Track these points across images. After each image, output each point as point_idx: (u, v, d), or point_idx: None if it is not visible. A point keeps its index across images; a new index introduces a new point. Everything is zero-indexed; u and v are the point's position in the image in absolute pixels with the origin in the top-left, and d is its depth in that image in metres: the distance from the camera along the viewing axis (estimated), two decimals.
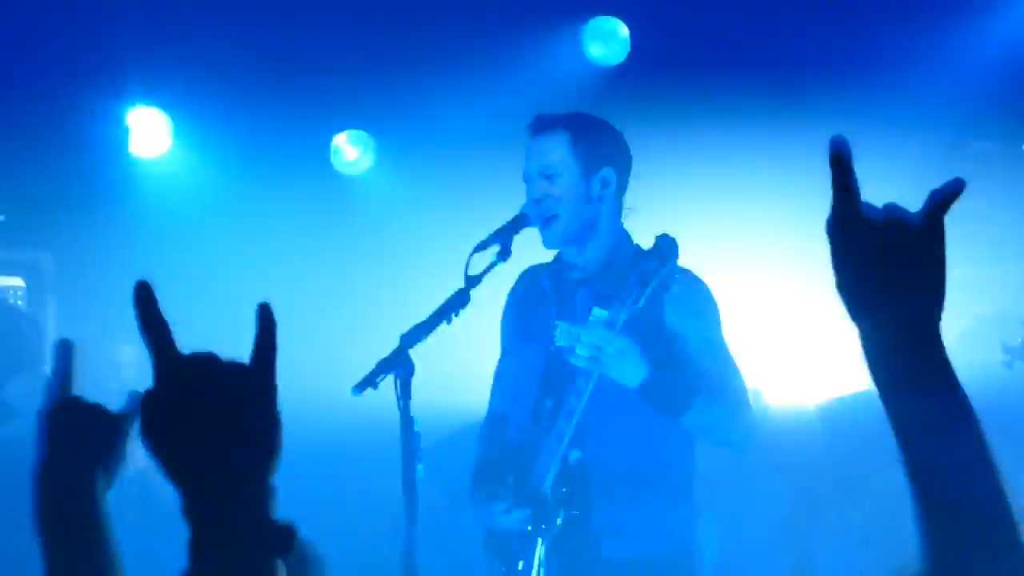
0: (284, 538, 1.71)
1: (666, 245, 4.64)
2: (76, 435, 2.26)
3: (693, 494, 5.11)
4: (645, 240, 4.98)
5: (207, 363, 1.74)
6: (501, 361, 5.34)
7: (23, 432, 6.29)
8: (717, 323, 4.95)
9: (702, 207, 7.50)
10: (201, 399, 1.70)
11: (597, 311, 4.78)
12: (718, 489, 6.88)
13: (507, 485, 5.01)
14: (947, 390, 1.73)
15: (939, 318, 1.75)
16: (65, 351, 2.33)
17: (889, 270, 1.75)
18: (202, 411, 1.70)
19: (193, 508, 1.68)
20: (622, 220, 5.13)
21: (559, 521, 4.86)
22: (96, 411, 2.30)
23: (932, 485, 1.72)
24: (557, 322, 4.87)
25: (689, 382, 4.79)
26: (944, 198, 1.76)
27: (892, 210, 1.79)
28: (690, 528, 5.07)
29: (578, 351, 4.66)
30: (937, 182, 1.78)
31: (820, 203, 1.83)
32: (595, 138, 5.08)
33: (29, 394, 6.07)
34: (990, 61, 7.47)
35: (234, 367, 1.75)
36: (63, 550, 2.17)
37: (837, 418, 7.19)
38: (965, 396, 1.73)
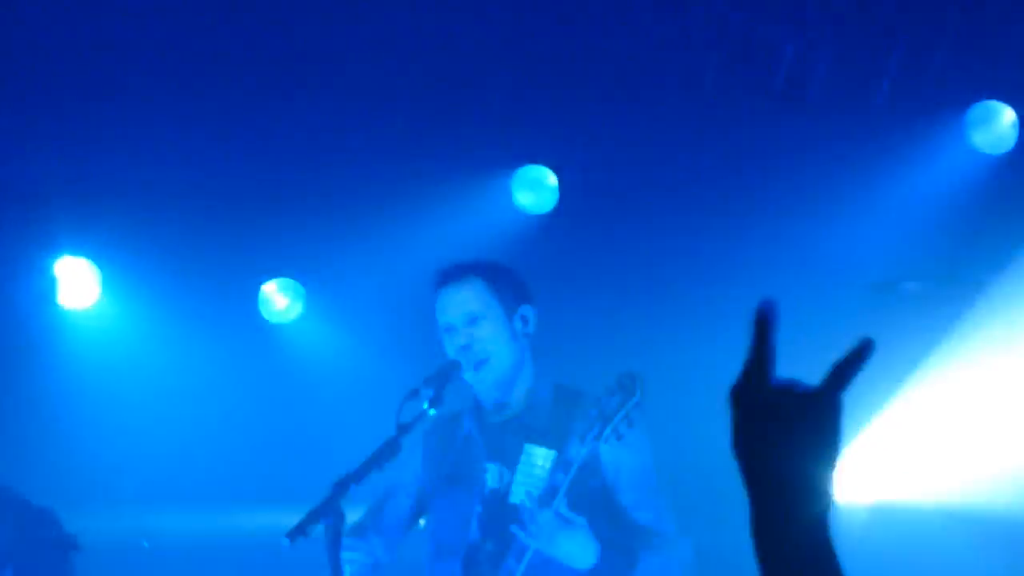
0: None
1: (630, 381, 4.68)
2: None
3: None
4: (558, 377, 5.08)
5: None
6: (431, 507, 5.32)
7: None
8: (648, 451, 5.01)
9: (631, 351, 7.52)
10: None
11: (529, 447, 4.82)
12: None
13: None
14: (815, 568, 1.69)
15: (825, 494, 1.70)
16: None
17: (778, 438, 1.71)
18: None
19: None
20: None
21: None
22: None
23: None
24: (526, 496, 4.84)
25: (630, 551, 4.86)
26: (845, 368, 1.72)
27: (794, 383, 1.74)
28: None
29: (530, 530, 4.67)
30: (865, 325, 1.77)
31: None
32: (506, 279, 5.18)
33: None
34: (920, 201, 7.58)
35: None
36: None
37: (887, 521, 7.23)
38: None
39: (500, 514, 4.97)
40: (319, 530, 4.55)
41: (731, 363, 1.80)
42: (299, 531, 4.53)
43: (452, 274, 5.20)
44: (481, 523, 5.06)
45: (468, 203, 7.87)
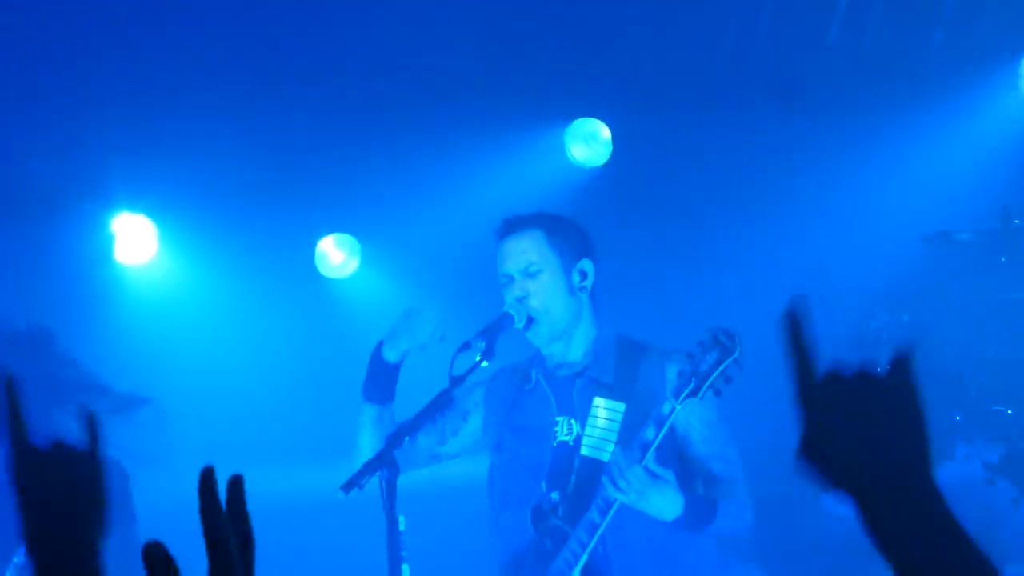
0: None
1: (728, 338, 4.66)
2: (59, 489, 1.98)
3: (711, 564, 5.18)
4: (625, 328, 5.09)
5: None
6: (496, 457, 5.34)
7: None
8: (715, 402, 5.00)
9: (684, 306, 7.53)
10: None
11: (598, 400, 4.85)
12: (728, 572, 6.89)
13: None
14: (951, 542, 1.67)
15: (927, 467, 1.70)
16: (10, 390, 1.96)
17: (862, 430, 1.69)
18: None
19: None
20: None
21: None
22: (63, 453, 1.99)
23: None
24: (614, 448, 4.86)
25: (709, 499, 4.89)
26: (910, 355, 1.72)
27: (861, 372, 1.72)
28: None
29: (620, 485, 4.69)
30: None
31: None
32: (567, 233, 5.18)
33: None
34: (974, 150, 7.54)
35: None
36: None
37: None
38: (970, 544, 1.67)
39: (569, 466, 5.00)
40: (374, 483, 4.60)
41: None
42: (354, 484, 4.57)
43: (514, 225, 5.21)
44: (550, 475, 5.08)
45: (522, 157, 7.88)
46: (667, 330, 5.81)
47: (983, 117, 7.60)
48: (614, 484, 4.69)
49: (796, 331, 1.73)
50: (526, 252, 5.12)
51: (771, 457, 5.37)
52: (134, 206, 7.82)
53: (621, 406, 4.95)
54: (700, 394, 4.66)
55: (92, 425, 1.96)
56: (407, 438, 4.69)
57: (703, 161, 7.75)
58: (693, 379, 4.66)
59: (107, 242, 7.82)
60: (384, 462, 4.59)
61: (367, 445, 5.00)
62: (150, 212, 7.85)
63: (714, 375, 4.64)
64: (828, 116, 7.62)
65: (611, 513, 4.77)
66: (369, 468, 4.59)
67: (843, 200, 7.60)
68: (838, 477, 1.71)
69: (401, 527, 4.57)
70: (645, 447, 4.71)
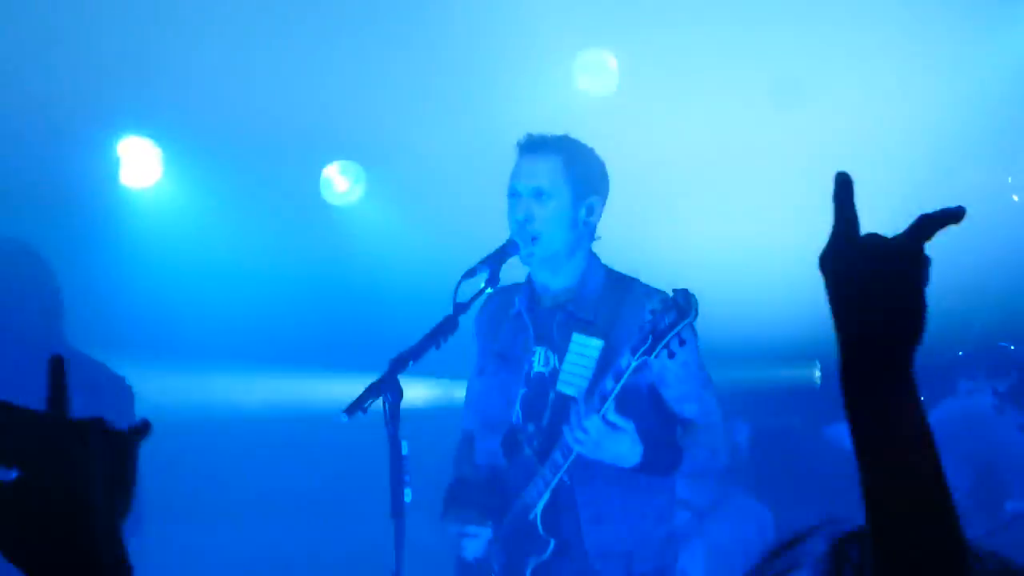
0: None
1: (685, 301, 4.66)
2: (96, 463, 1.93)
3: (674, 514, 5.21)
4: (613, 263, 5.10)
5: None
6: (475, 381, 5.39)
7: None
8: (694, 344, 5.01)
9: (690, 239, 7.54)
10: None
11: (578, 336, 4.86)
12: (703, 517, 6.91)
13: (477, 510, 5.08)
14: (907, 420, 1.71)
15: (909, 344, 1.73)
16: (58, 368, 1.97)
17: (866, 291, 1.75)
18: None
19: None
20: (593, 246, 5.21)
21: (551, 548, 4.91)
22: (108, 430, 1.98)
23: (884, 516, 1.70)
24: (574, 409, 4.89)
25: (675, 444, 4.92)
26: (930, 223, 1.76)
27: (874, 235, 1.78)
28: (672, 548, 5.17)
29: (577, 436, 4.73)
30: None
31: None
32: (586, 165, 5.16)
33: None
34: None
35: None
36: None
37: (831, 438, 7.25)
38: (925, 427, 1.71)
39: (543, 398, 5.02)
40: (377, 406, 4.61)
41: (802, 249, 1.82)
42: (357, 407, 4.58)
43: (536, 144, 5.19)
44: (524, 404, 5.11)
45: (529, 86, 7.86)
46: (666, 264, 5.82)
47: None
48: (571, 434, 4.74)
49: (843, 195, 1.80)
50: (539, 175, 5.11)
51: (771, 389, 5.39)
52: (140, 130, 7.82)
53: (599, 343, 4.95)
54: (654, 353, 4.67)
55: (58, 371, 1.91)
56: (411, 362, 4.70)
57: (713, 87, 7.73)
58: (650, 337, 4.67)
59: (112, 165, 7.83)
60: (388, 386, 4.61)
61: None
62: (156, 136, 7.85)
63: (668, 336, 4.65)
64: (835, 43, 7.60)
65: (571, 457, 4.81)
66: (372, 392, 4.60)
67: (858, 117, 7.58)
68: (841, 323, 1.77)
69: (404, 451, 4.59)
70: (604, 397, 4.73)
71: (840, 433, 7.05)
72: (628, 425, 4.76)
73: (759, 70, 7.69)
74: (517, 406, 5.11)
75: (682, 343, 4.66)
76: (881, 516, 1.68)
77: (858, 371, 1.73)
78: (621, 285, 5.13)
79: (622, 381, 4.70)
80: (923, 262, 1.75)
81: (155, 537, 5.51)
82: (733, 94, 7.72)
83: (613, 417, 4.74)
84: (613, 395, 4.72)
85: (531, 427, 5.05)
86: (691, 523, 6.73)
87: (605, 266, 5.20)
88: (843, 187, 1.80)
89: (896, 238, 1.76)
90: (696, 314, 4.64)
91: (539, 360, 5.12)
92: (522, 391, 5.12)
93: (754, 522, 7.00)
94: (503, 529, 5.03)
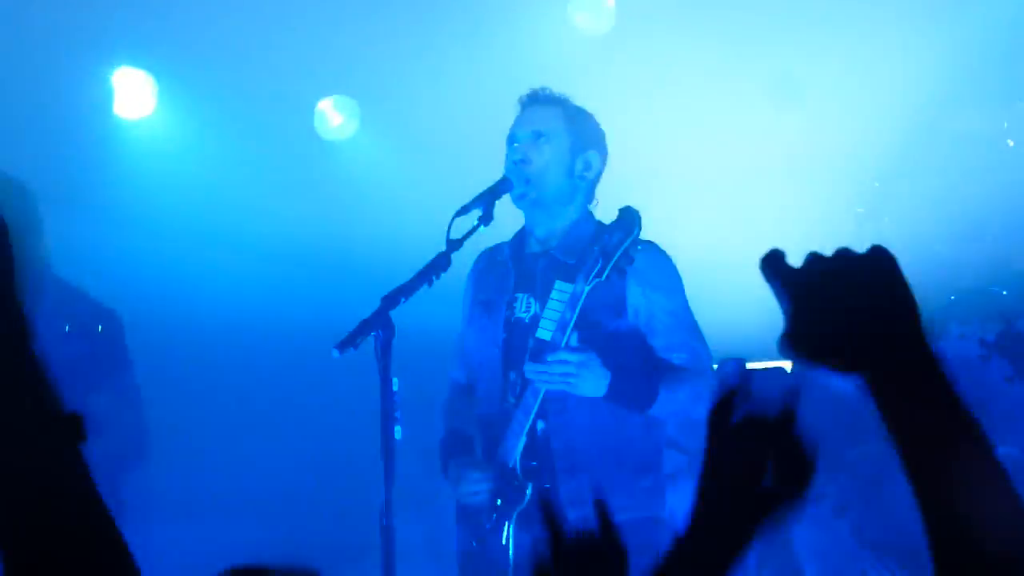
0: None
1: (629, 217, 4.68)
2: None
3: (661, 463, 5.19)
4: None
5: None
6: (462, 332, 5.39)
7: (106, 454, 5.97)
8: (682, 294, 5.02)
9: (684, 179, 7.53)
10: None
11: (559, 284, 4.86)
12: (695, 458, 6.93)
13: (476, 460, 5.09)
14: (947, 409, 1.69)
15: (919, 335, 1.71)
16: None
17: (849, 305, 1.72)
18: None
19: None
20: (591, 207, 5.20)
21: (528, 494, 4.92)
22: None
23: (944, 513, 1.67)
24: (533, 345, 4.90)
25: (651, 377, 4.91)
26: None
27: (837, 255, 1.75)
28: (657, 497, 5.13)
29: (539, 370, 4.75)
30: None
31: (808, 170, 1.81)
32: (587, 121, 5.20)
33: (112, 410, 5.67)
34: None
35: None
36: None
37: (810, 385, 7.24)
38: (967, 414, 1.69)
39: (523, 345, 5.02)
40: (369, 341, 4.61)
41: (792, 182, 1.80)
42: (349, 342, 4.58)
43: (539, 97, 5.22)
44: (505, 350, 5.11)
45: (524, 22, 7.84)
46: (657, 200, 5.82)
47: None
48: (534, 371, 4.76)
49: (773, 265, 1.76)
50: (540, 121, 5.13)
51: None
52: (134, 60, 7.79)
53: (582, 289, 4.94)
54: (604, 275, 4.68)
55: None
56: (403, 299, 4.70)
57: (710, 23, 7.71)
58: (600, 259, 4.67)
59: (106, 95, 7.80)
60: (379, 322, 4.61)
61: None
62: (150, 67, 7.82)
63: (616, 255, 4.65)
64: None
65: (541, 395, 4.82)
66: (364, 328, 4.60)
67: (842, 75, 7.58)
68: (835, 358, 1.72)
69: (395, 388, 4.59)
70: (564, 327, 4.75)
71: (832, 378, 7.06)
72: (590, 354, 4.77)
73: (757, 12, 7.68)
74: (499, 352, 5.11)
75: (630, 260, 4.66)
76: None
77: (891, 389, 1.69)
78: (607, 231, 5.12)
79: (578, 308, 4.72)
80: (896, 266, 1.73)
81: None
82: (728, 37, 7.71)
83: (575, 345, 4.77)
84: (572, 323, 4.74)
85: (512, 374, 5.05)
86: (683, 464, 6.73)
87: (599, 221, 5.19)
88: (770, 265, 1.76)
89: (862, 255, 1.73)
90: (639, 229, 4.65)
91: (521, 306, 5.12)
92: (503, 336, 5.12)
93: None
94: (493, 477, 5.03)
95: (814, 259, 1.75)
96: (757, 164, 7.44)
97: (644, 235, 4.76)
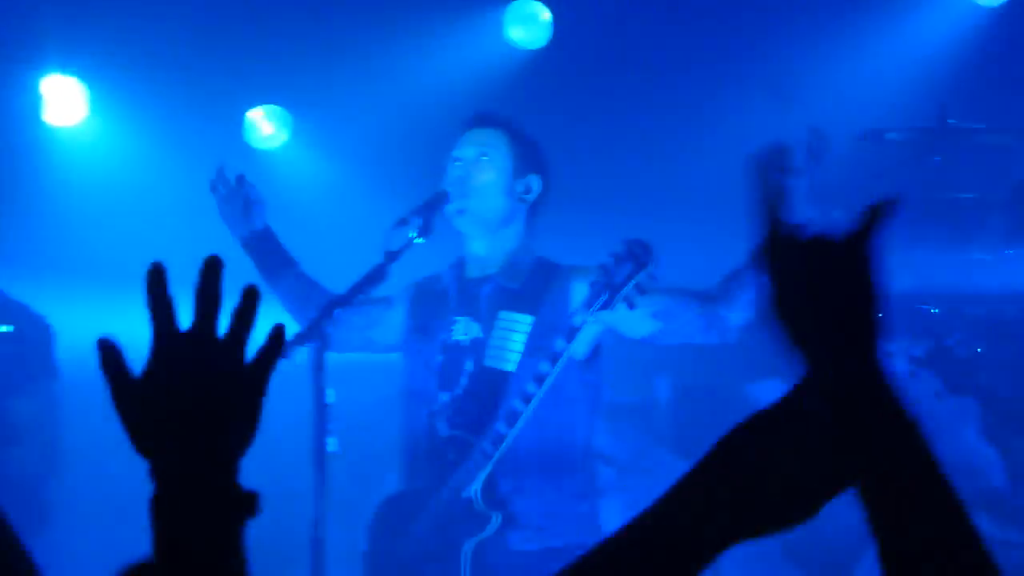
0: (247, 503, 1.73)
1: (642, 249, 4.63)
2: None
3: (595, 483, 5.20)
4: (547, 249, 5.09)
5: (207, 347, 1.75)
6: (402, 358, 5.34)
7: (28, 459, 5.85)
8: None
9: (623, 196, 7.54)
10: (193, 381, 1.73)
11: (505, 313, 4.86)
12: (624, 472, 6.94)
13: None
14: (892, 426, 1.67)
15: (872, 347, 1.68)
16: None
17: (814, 296, 1.70)
18: (191, 392, 1.73)
19: (159, 474, 1.73)
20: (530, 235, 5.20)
21: (494, 523, 4.89)
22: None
23: (894, 529, 1.64)
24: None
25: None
26: (871, 220, 1.71)
27: (820, 234, 1.72)
28: (595, 520, 5.11)
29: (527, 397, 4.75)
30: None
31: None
32: (531, 145, 5.19)
33: (36, 415, 5.59)
34: (909, 50, 7.57)
35: (232, 357, 1.76)
36: None
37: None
38: (914, 426, 1.67)
39: (458, 368, 5.01)
40: (303, 353, 4.59)
41: (723, 206, 1.79)
42: (284, 353, 4.55)
43: (483, 118, 5.23)
44: (442, 373, 5.08)
45: (459, 36, 7.84)
46: (594, 223, 5.82)
47: (921, 15, 7.63)
48: (522, 396, 4.73)
49: (766, 176, 1.73)
50: (483, 143, 5.13)
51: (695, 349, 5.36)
52: (65, 67, 7.73)
53: (528, 318, 4.93)
54: (612, 305, 4.65)
55: None
56: (337, 310, 4.68)
57: (646, 42, 7.72)
58: (607, 291, 4.64)
59: (36, 103, 7.74)
60: (315, 333, 4.59)
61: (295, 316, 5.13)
62: (80, 74, 7.76)
63: (627, 287, 4.62)
64: (768, 9, 7.61)
65: (518, 425, 4.78)
66: (299, 339, 4.58)
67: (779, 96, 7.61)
68: (793, 335, 1.71)
69: (330, 399, 4.57)
70: (555, 358, 4.72)
71: (762, 391, 7.11)
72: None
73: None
74: (434, 375, 5.08)
75: (642, 291, 4.61)
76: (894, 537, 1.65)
77: (835, 384, 1.68)
78: (548, 266, 5.11)
79: (574, 340, 4.70)
80: (870, 261, 1.70)
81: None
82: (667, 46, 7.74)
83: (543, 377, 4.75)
84: (564, 355, 4.71)
85: (445, 396, 5.03)
86: (611, 477, 6.75)
87: (537, 253, 5.19)
88: (764, 165, 1.76)
89: (844, 237, 1.71)
90: (655, 263, 4.59)
91: (459, 329, 5.10)
92: (439, 359, 5.10)
93: (674, 477, 7.03)
94: (432, 506, 4.98)
95: (797, 231, 1.73)
96: (699, 187, 7.43)
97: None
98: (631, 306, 4.63)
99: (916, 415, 1.68)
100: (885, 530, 1.64)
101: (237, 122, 8.12)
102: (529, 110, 5.48)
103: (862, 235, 1.71)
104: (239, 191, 5.44)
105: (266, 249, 5.45)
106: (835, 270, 1.70)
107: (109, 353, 1.78)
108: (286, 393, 5.12)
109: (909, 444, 1.67)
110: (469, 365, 4.96)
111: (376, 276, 4.79)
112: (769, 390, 5.22)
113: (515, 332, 4.88)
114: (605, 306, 4.63)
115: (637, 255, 4.60)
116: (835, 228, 1.71)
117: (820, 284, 1.70)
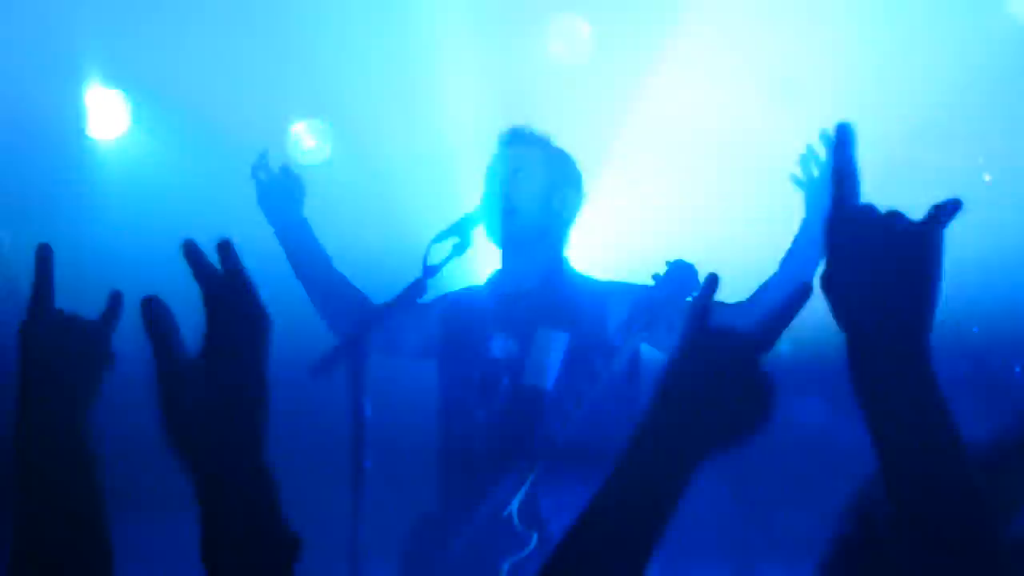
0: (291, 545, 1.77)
1: (686, 272, 4.60)
2: (57, 354, 2.14)
3: None
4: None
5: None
6: (437, 371, 5.32)
7: None
8: None
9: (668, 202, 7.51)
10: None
11: (544, 330, 4.84)
12: None
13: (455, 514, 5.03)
14: (928, 406, 1.68)
15: (926, 331, 1.71)
16: (44, 257, 2.18)
17: (880, 275, 1.71)
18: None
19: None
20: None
21: (532, 544, 4.87)
22: (76, 322, 2.22)
23: (909, 498, 1.68)
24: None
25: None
26: (946, 212, 1.75)
27: (893, 214, 1.75)
28: None
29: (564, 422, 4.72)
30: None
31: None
32: (565, 161, 5.21)
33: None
34: None
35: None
36: (47, 484, 2.03)
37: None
38: (948, 413, 1.68)
39: (496, 385, 4.99)
40: (341, 367, 4.58)
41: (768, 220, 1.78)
42: (322, 367, 4.55)
43: (519, 134, 5.25)
44: (479, 390, 5.08)
45: (501, 50, 7.83)
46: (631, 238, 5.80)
47: None
48: (560, 415, 4.71)
49: (845, 158, 1.78)
50: (519, 159, 5.16)
51: None
52: (107, 79, 7.75)
53: (565, 335, 4.93)
54: (653, 327, 4.63)
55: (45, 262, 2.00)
56: (378, 325, 4.67)
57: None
58: (648, 313, 4.63)
59: (79, 116, 7.76)
60: (353, 348, 4.58)
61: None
62: (124, 86, 7.79)
63: (670, 310, 4.60)
64: None
65: (556, 443, 4.77)
66: (337, 353, 4.58)
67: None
68: (843, 310, 1.74)
69: (367, 415, 4.55)
70: (593, 377, 4.70)
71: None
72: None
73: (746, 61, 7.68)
74: (472, 391, 5.07)
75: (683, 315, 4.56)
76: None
77: (875, 364, 1.68)
78: (586, 283, 5.11)
79: (613, 361, 4.68)
80: (942, 249, 1.72)
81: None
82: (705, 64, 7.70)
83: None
84: (604, 376, 4.69)
85: (482, 414, 5.01)
86: None
87: (572, 269, 5.18)
88: (843, 141, 1.77)
89: (916, 222, 1.72)
90: (697, 285, 4.54)
91: (496, 346, 5.09)
92: (476, 376, 5.09)
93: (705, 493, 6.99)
94: (469, 525, 4.95)
95: (867, 210, 1.76)
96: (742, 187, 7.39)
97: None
98: (672, 329, 4.59)
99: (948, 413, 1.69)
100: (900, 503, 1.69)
101: (280, 136, 8.13)
102: (568, 125, 5.46)
103: (934, 223, 1.74)
104: (281, 180, 5.44)
105: (300, 240, 5.45)
106: (905, 251, 1.72)
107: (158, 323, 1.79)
108: (322, 406, 5.14)
109: (938, 424, 1.67)
110: (506, 382, 4.94)
111: (415, 291, 4.78)
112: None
113: (552, 350, 4.87)
114: (646, 327, 4.61)
115: (682, 278, 4.58)
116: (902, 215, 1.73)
117: (887, 261, 1.72)
